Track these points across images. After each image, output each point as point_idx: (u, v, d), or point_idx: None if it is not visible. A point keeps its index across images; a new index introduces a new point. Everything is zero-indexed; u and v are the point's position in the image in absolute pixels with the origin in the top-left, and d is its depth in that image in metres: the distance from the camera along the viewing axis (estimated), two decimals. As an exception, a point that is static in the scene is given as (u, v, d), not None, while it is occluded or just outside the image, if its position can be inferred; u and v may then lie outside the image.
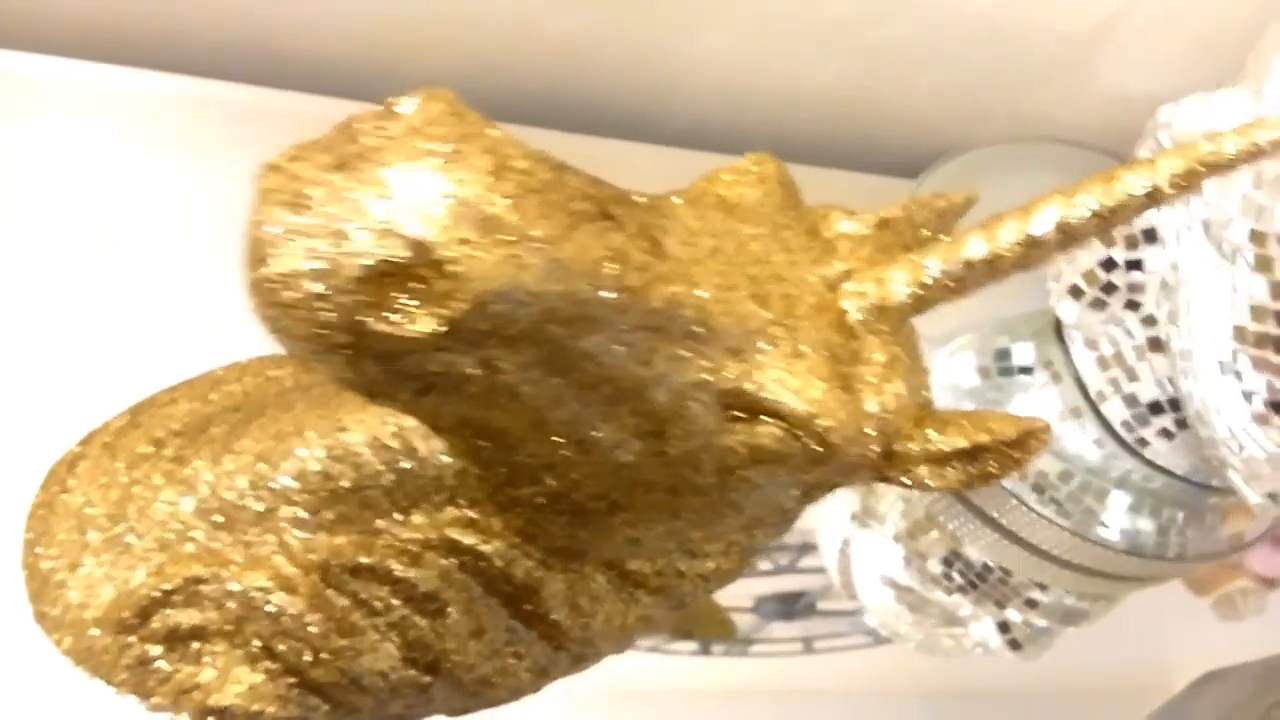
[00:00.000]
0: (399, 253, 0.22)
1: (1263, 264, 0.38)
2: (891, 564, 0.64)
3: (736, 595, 0.70)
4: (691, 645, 0.75)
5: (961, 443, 0.33)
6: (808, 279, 0.31)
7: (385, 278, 0.22)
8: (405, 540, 0.34)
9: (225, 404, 0.37)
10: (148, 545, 0.34)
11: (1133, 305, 0.46)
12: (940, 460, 0.33)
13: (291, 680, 0.34)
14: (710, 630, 0.56)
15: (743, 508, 0.32)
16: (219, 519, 0.34)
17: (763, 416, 0.29)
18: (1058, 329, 0.51)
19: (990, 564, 0.58)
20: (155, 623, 0.33)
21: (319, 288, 0.22)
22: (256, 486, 0.34)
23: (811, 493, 0.35)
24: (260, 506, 0.34)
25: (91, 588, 0.34)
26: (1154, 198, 0.29)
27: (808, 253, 0.32)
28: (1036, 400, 0.52)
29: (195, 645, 0.34)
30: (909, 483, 0.34)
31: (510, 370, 0.25)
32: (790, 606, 0.82)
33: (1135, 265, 0.45)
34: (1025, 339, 0.52)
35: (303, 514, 0.34)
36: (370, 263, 0.22)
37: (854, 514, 0.67)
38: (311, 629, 0.33)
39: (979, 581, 0.58)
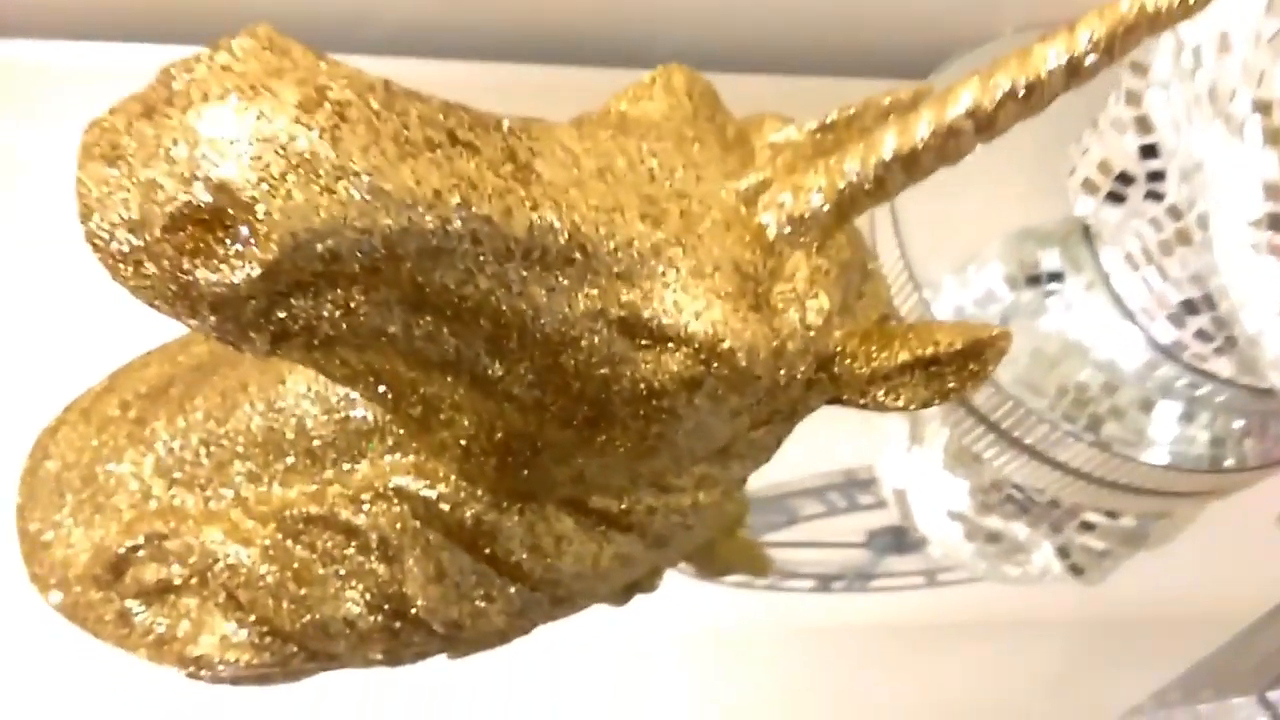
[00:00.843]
0: (201, 197, 0.21)
1: (1273, 136, 0.33)
2: (944, 492, 0.61)
3: (847, 530, 0.69)
4: (809, 582, 0.74)
5: (904, 357, 0.30)
6: (716, 193, 0.29)
7: (198, 225, 0.22)
8: (354, 489, 0.34)
9: (189, 364, 0.38)
10: (116, 504, 0.35)
11: (1154, 196, 0.42)
12: (889, 378, 0.31)
13: (263, 629, 0.35)
14: (745, 566, 0.55)
15: (674, 440, 0.31)
16: (178, 475, 0.35)
17: (669, 343, 0.28)
18: (1086, 232, 0.47)
19: (1039, 487, 0.54)
20: (127, 578, 0.35)
21: (135, 240, 0.22)
22: (208, 443, 0.35)
23: (765, 420, 0.34)
24: (213, 462, 0.35)
25: (72, 547, 0.35)
26: (1074, 70, 0.26)
27: (719, 165, 0.30)
28: (1070, 308, 0.49)
29: (170, 598, 0.35)
30: (866, 404, 0.32)
31: (370, 312, 0.25)
32: (903, 540, 0.80)
33: (1150, 151, 0.41)
34: (1052, 244, 0.49)
35: (253, 467, 0.34)
36: (172, 210, 0.21)
37: (905, 444, 0.64)
38: (269, 579, 0.34)
39: (1030, 505, 0.55)
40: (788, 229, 0.29)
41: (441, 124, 0.24)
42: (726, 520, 0.46)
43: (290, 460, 0.34)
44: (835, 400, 0.32)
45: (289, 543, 0.34)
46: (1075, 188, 0.43)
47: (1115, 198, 0.42)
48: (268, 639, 0.35)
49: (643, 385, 0.28)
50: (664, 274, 0.27)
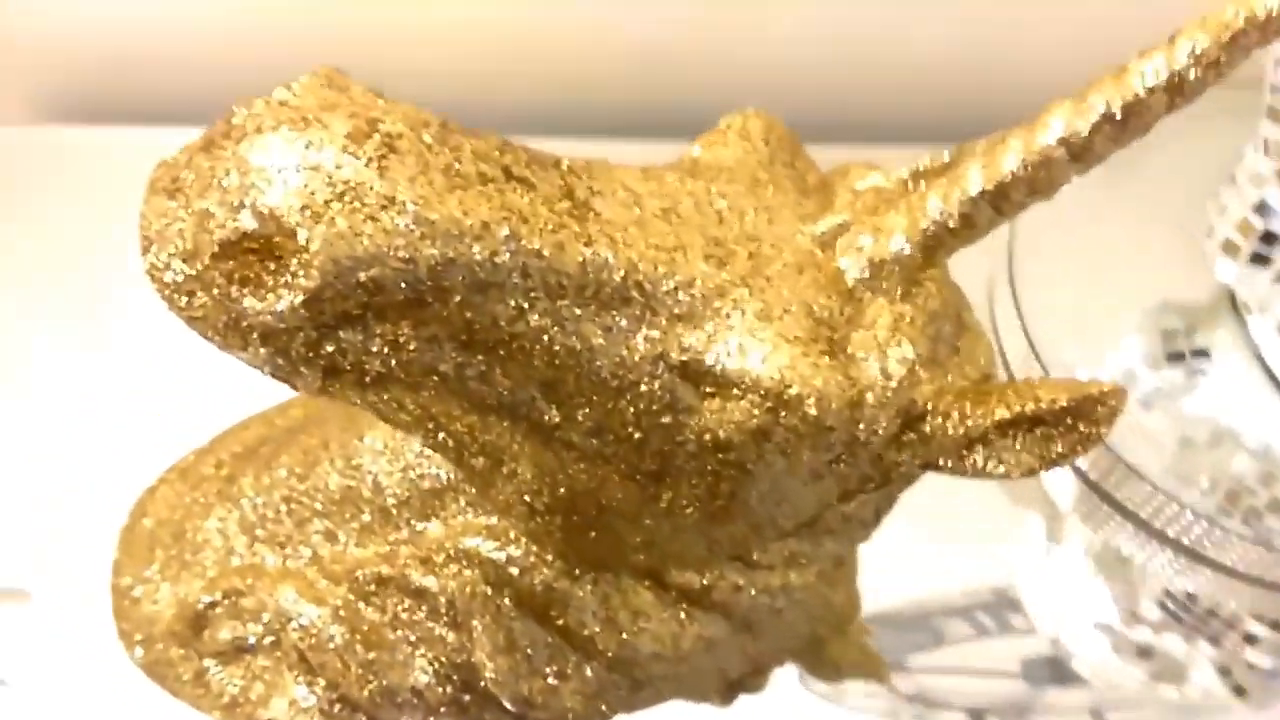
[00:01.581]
0: (248, 224, 0.22)
1: None
2: (1088, 599, 0.55)
3: (1000, 657, 0.64)
4: (960, 715, 0.69)
5: (1003, 414, 0.28)
6: (790, 236, 0.28)
7: (248, 254, 0.22)
8: (426, 550, 0.33)
9: (284, 426, 0.38)
10: (202, 560, 0.35)
11: (1305, 257, 0.38)
12: (988, 440, 0.29)
13: (332, 695, 0.34)
14: (858, 670, 0.51)
15: (748, 501, 0.29)
16: (260, 532, 0.35)
17: (734, 390, 0.26)
18: (1233, 302, 0.43)
19: (1191, 591, 0.49)
20: (205, 635, 0.35)
21: (188, 269, 0.22)
22: (289, 500, 0.35)
23: (855, 490, 0.31)
24: (293, 520, 0.35)
25: (157, 603, 0.36)
26: (1176, 87, 0.24)
27: (794, 209, 0.28)
28: (1219, 388, 0.44)
29: (246, 659, 0.35)
30: (964, 470, 0.30)
31: (420, 347, 0.24)
32: (1062, 671, 0.74)
33: (1299, 208, 0.37)
34: (1196, 317, 0.45)
35: (330, 525, 0.34)
36: (221, 237, 0.22)
37: (1044, 545, 0.59)
38: (338, 639, 0.33)
39: (1184, 615, 0.49)
40: (867, 273, 0.27)
41: (496, 160, 0.24)
42: (832, 613, 0.42)
43: (366, 518, 0.34)
44: (930, 465, 0.30)
45: (360, 604, 0.33)
46: (1214, 251, 0.40)
47: (1260, 260, 0.38)
48: (336, 706, 0.34)
49: (707, 436, 0.26)
50: (729, 317, 0.26)
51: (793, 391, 0.25)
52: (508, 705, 0.34)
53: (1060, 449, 0.28)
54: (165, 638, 0.35)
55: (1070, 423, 0.28)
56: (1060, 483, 0.52)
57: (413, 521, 0.34)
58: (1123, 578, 0.53)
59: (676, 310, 0.26)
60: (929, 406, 0.28)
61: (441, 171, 0.23)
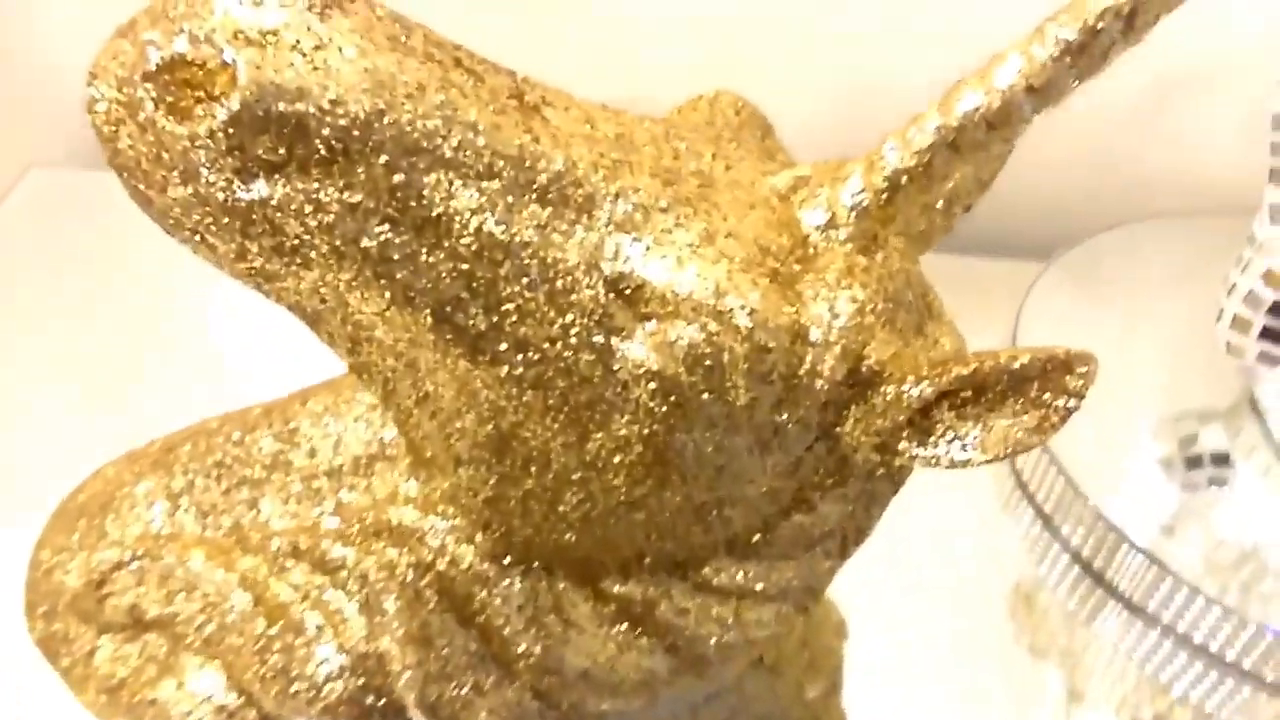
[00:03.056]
0: (181, 47, 0.22)
1: None
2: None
3: None
4: None
5: (960, 371, 0.26)
6: (748, 183, 0.27)
7: (180, 84, 0.22)
8: (348, 523, 0.31)
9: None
10: (121, 527, 0.33)
11: (1321, 331, 0.36)
12: (951, 408, 0.26)
13: (227, 681, 0.31)
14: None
15: (684, 458, 0.26)
16: (184, 501, 0.33)
17: (668, 308, 0.25)
18: (1253, 404, 0.40)
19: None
20: (107, 605, 0.32)
21: (118, 95, 0.22)
22: (220, 466, 0.33)
23: (807, 494, 0.29)
24: (221, 487, 0.33)
25: (69, 572, 0.33)
26: (1129, 16, 0.23)
27: (755, 164, 0.28)
28: (1241, 495, 0.41)
29: (144, 639, 0.32)
30: (924, 452, 0.27)
31: (341, 210, 0.23)
32: None
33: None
34: (1214, 419, 0.42)
35: (255, 494, 0.32)
36: (158, 60, 0.22)
37: (1063, 706, 0.53)
38: (239, 608, 0.30)
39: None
40: (823, 222, 0.26)
41: (449, 50, 0.25)
42: (813, 663, 0.38)
43: (295, 488, 0.32)
44: (887, 449, 0.27)
45: (270, 578, 0.31)
46: (1224, 333, 0.38)
47: (1272, 335, 0.36)
48: (230, 694, 0.31)
49: (639, 362, 0.25)
50: (669, 232, 0.25)
51: (727, 302, 0.24)
52: (415, 714, 0.31)
53: (1027, 424, 0.26)
54: (67, 611, 0.33)
55: (1037, 394, 0.26)
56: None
57: (339, 492, 0.32)
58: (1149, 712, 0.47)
59: (615, 217, 0.25)
60: (882, 371, 0.26)
61: (386, 36, 0.23)
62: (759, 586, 0.31)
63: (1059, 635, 0.51)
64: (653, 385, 0.25)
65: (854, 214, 0.26)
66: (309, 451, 0.32)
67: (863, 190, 0.26)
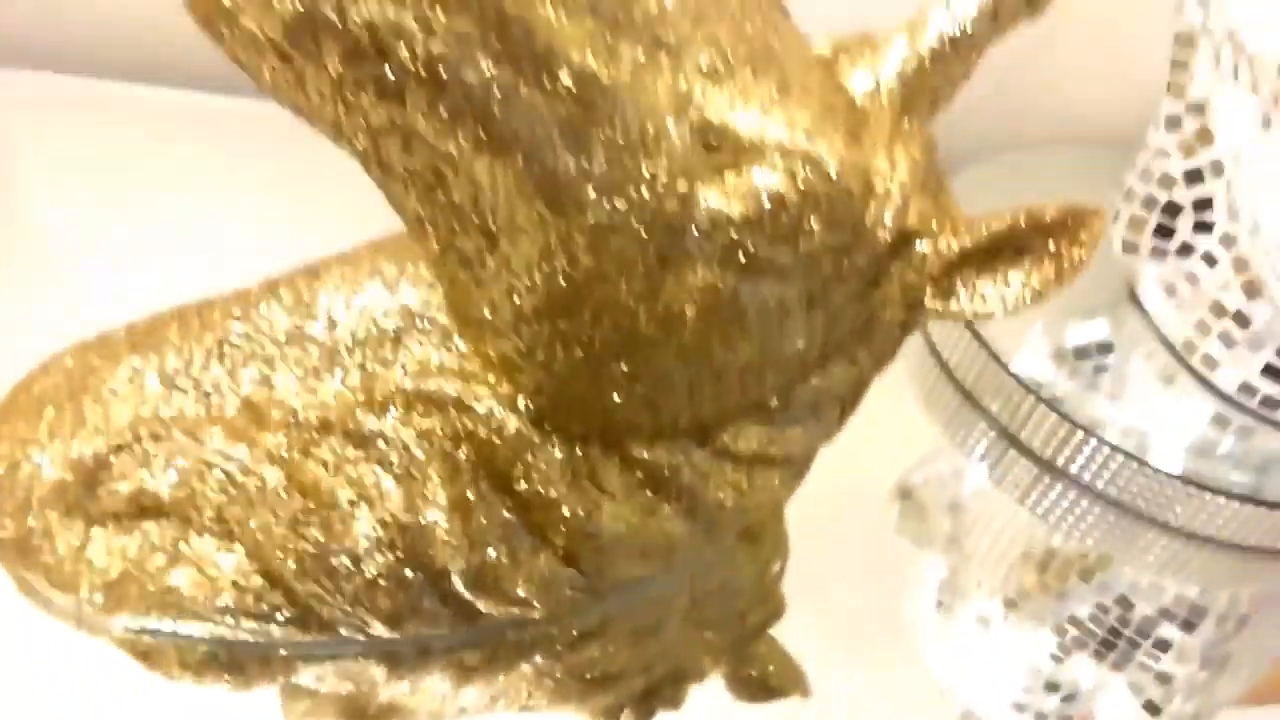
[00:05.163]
0: None
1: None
2: (1000, 676, 0.54)
3: None
4: None
5: (998, 226, 0.28)
6: (797, 46, 0.29)
7: None
8: (381, 394, 0.30)
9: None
10: (106, 414, 0.31)
11: (1204, 227, 0.42)
12: (976, 262, 0.29)
13: (251, 566, 0.29)
14: (781, 679, 0.48)
15: (744, 317, 0.28)
16: (182, 381, 0.31)
17: (753, 156, 0.26)
18: (1132, 294, 0.47)
19: (1106, 604, 0.49)
20: (102, 491, 0.30)
21: None
22: (223, 344, 0.31)
23: (829, 351, 0.31)
24: (225, 366, 0.31)
25: (40, 465, 0.31)
26: None
27: (800, 35, 0.29)
28: (1124, 379, 0.47)
29: (145, 526, 0.30)
30: (949, 306, 0.30)
31: (446, 39, 0.23)
32: None
33: (1196, 176, 0.41)
34: (1097, 312, 0.48)
35: (267, 371, 0.31)
36: None
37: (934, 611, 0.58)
38: (270, 482, 0.29)
39: (1095, 634, 0.49)
40: (870, 85, 0.28)
41: None
42: (777, 540, 0.41)
43: (314, 361, 0.31)
44: (915, 304, 0.30)
45: (296, 453, 0.30)
46: (1120, 231, 0.43)
47: (1163, 231, 0.42)
48: (254, 578, 0.30)
49: (722, 213, 0.26)
50: (752, 83, 0.26)
51: (816, 146, 0.26)
52: (457, 582, 0.30)
53: (1046, 274, 0.29)
54: (46, 502, 0.30)
55: (1054, 246, 0.29)
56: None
57: (367, 365, 0.31)
58: (1027, 607, 0.53)
59: (702, 66, 0.26)
60: (919, 226, 0.29)
61: None
62: (772, 450, 0.33)
63: (942, 522, 0.57)
64: (733, 231, 0.26)
65: (899, 79, 0.28)
66: (329, 323, 0.31)
67: (909, 55, 0.28)
